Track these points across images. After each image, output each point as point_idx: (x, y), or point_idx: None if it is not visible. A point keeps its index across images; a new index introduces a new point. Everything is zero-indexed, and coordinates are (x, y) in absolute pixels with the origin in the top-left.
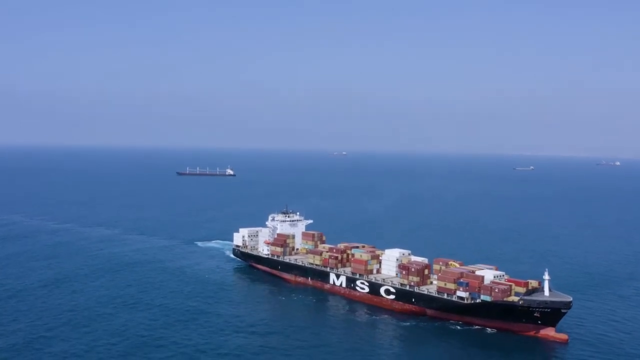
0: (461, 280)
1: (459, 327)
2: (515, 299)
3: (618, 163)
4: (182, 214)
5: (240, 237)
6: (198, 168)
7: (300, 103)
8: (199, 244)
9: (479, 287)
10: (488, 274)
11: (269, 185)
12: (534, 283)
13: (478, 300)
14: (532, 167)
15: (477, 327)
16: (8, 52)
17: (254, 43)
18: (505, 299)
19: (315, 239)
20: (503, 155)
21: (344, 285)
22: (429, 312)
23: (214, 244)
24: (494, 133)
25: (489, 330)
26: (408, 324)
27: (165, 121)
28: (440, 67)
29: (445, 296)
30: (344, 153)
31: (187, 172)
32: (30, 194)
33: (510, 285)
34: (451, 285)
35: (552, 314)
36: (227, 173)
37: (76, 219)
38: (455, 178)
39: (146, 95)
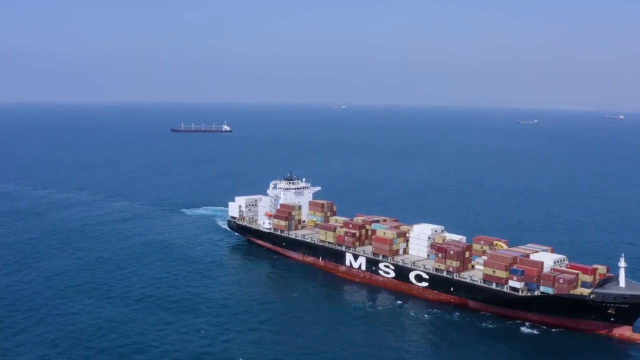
0: (515, 267)
1: (509, 323)
2: (584, 290)
3: (622, 117)
4: (171, 176)
5: (236, 207)
6: (193, 124)
7: (298, 56)
8: (187, 211)
9: (538, 277)
10: (547, 259)
11: (267, 142)
12: (601, 269)
13: (537, 293)
14: (536, 120)
15: (530, 323)
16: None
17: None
18: (571, 291)
19: (325, 209)
20: (505, 109)
21: (363, 268)
22: (472, 303)
23: (203, 210)
24: (497, 87)
25: (540, 327)
26: (446, 317)
27: (167, 78)
28: (446, 19)
29: (493, 286)
30: (343, 107)
31: (182, 128)
32: (18, 155)
33: (577, 274)
34: (502, 273)
35: (630, 310)
36: (223, 129)
37: (57, 182)
38: (462, 132)
39: (146, 54)
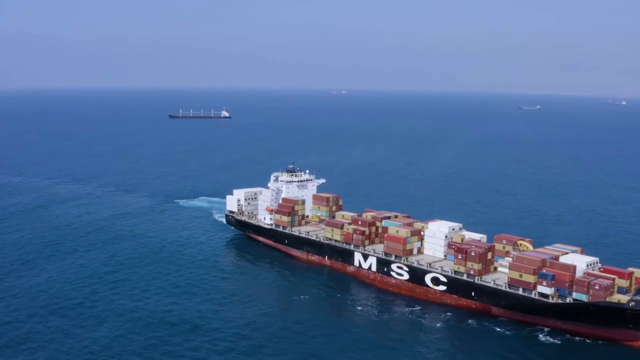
0: (544, 271)
1: (529, 329)
2: (621, 297)
3: (624, 102)
4: (167, 165)
5: (234, 201)
6: (191, 110)
7: (296, 41)
8: (182, 202)
9: (570, 282)
10: (579, 262)
11: (268, 129)
12: (637, 273)
13: (569, 300)
14: (538, 106)
15: (549, 329)
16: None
17: None
18: (607, 299)
19: (330, 203)
20: (505, 94)
21: (373, 268)
22: (495, 310)
23: (199, 202)
24: (498, 73)
25: (564, 335)
26: (466, 325)
27: (165, 63)
28: (445, 5)
29: (520, 291)
30: (343, 92)
31: (180, 114)
32: (13, 144)
33: (613, 279)
34: (530, 278)
35: None
36: (222, 115)
37: (54, 174)
38: (466, 119)
39: (144, 40)
